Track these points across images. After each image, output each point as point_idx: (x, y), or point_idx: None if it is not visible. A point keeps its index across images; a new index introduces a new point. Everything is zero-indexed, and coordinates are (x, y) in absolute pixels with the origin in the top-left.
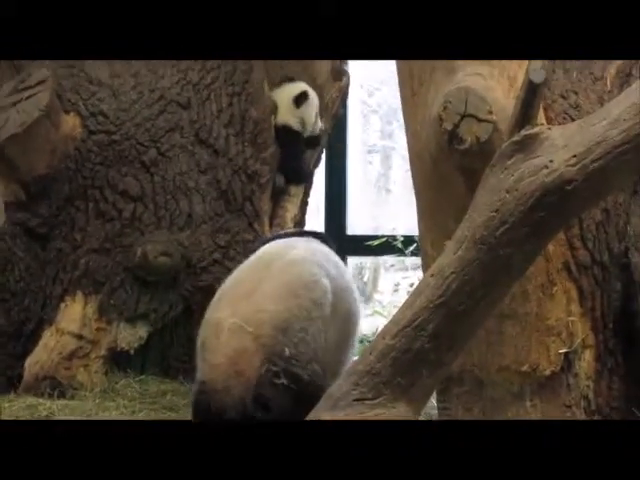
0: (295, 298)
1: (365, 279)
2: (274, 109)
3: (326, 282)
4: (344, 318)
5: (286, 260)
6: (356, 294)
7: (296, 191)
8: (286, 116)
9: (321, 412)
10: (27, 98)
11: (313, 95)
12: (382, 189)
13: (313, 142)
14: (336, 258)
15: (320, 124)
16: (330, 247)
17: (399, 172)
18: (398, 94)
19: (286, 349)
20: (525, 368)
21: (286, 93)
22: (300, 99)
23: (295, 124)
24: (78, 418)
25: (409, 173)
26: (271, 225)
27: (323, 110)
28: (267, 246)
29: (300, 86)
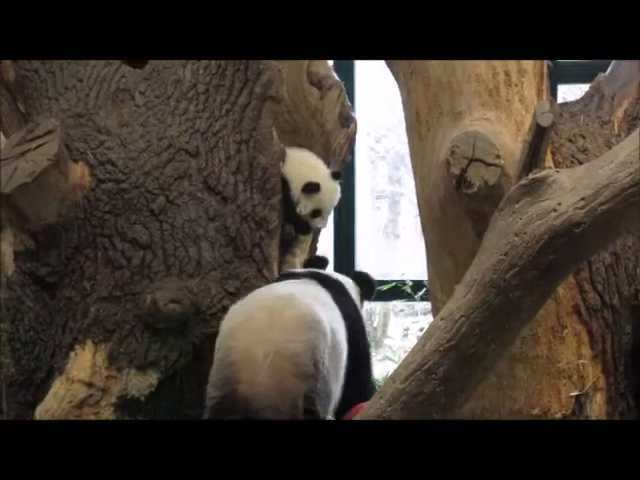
0: (311, 330)
1: (375, 324)
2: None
3: (324, 317)
4: (336, 351)
5: (285, 298)
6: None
7: (305, 237)
8: (296, 195)
9: None
10: (36, 148)
11: (325, 189)
12: (391, 234)
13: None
14: (325, 297)
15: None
16: (328, 285)
17: (408, 217)
18: (405, 140)
19: (318, 383)
20: (536, 411)
21: (297, 174)
22: (310, 188)
23: (303, 209)
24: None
25: (418, 218)
26: (280, 271)
27: (331, 156)
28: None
29: (312, 174)
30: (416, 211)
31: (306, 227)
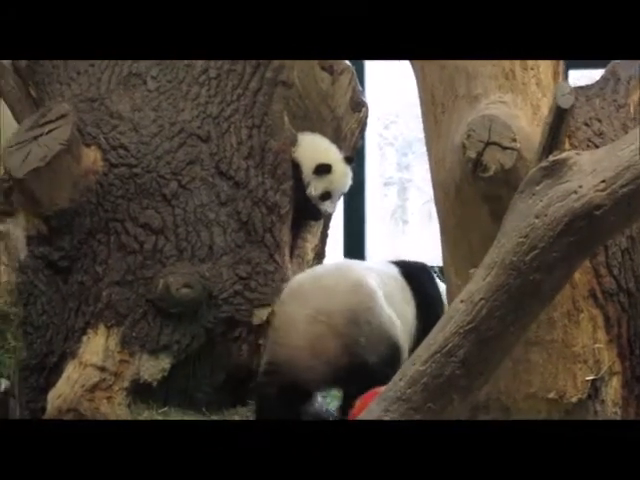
0: (356, 294)
1: None
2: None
3: (372, 282)
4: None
5: (338, 267)
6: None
7: (316, 222)
8: (308, 177)
9: None
10: (48, 132)
11: (337, 171)
12: (399, 221)
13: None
14: (394, 276)
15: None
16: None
17: (416, 204)
18: (414, 126)
19: (361, 338)
20: (552, 395)
21: (309, 157)
22: (321, 169)
23: (313, 191)
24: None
25: (426, 205)
26: (292, 256)
27: (342, 141)
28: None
29: (324, 156)
30: (424, 198)
31: (316, 212)
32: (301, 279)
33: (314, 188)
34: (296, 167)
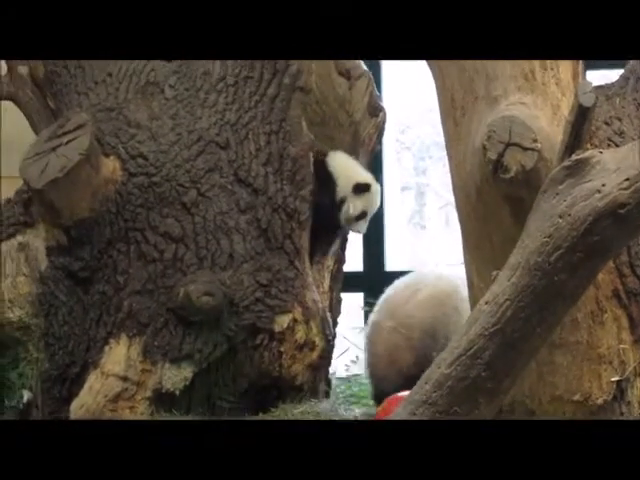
0: (440, 307)
1: None
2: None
3: (464, 291)
4: None
5: (433, 276)
6: None
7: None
8: (344, 194)
9: None
10: (67, 143)
11: (374, 190)
12: (417, 225)
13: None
14: None
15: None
16: None
17: (433, 208)
18: (431, 130)
19: (434, 353)
20: (577, 397)
21: (346, 173)
22: (361, 188)
23: (352, 210)
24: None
25: (443, 209)
26: (312, 262)
27: (360, 146)
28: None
29: (361, 174)
30: (441, 202)
31: (341, 228)
32: (395, 286)
33: (353, 207)
34: (329, 180)
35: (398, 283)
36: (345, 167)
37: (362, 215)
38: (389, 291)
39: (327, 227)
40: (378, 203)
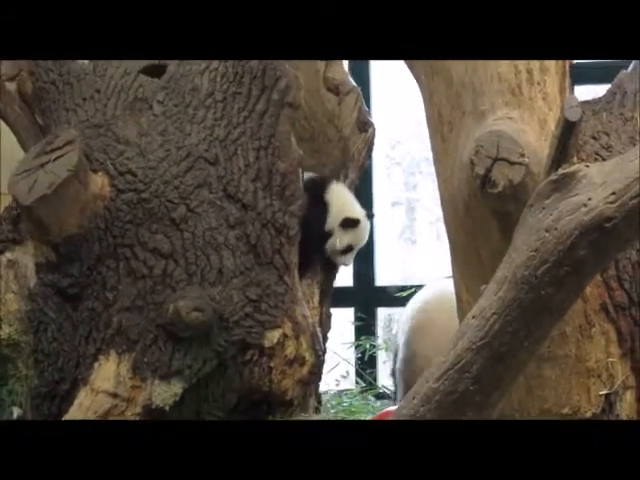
0: None
1: (394, 331)
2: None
3: None
4: None
5: None
6: None
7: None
8: (332, 226)
9: None
10: (55, 159)
11: (362, 227)
12: (408, 241)
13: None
14: None
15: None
16: None
17: (423, 224)
18: (420, 146)
19: None
20: (566, 411)
21: (338, 205)
22: (349, 223)
23: (338, 244)
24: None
25: (433, 225)
26: (301, 277)
27: (349, 162)
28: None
29: (351, 209)
30: (431, 217)
31: (326, 259)
32: (424, 309)
33: (339, 241)
34: (323, 209)
35: (425, 305)
36: (341, 200)
37: (348, 249)
38: (419, 314)
39: (314, 253)
40: (366, 238)
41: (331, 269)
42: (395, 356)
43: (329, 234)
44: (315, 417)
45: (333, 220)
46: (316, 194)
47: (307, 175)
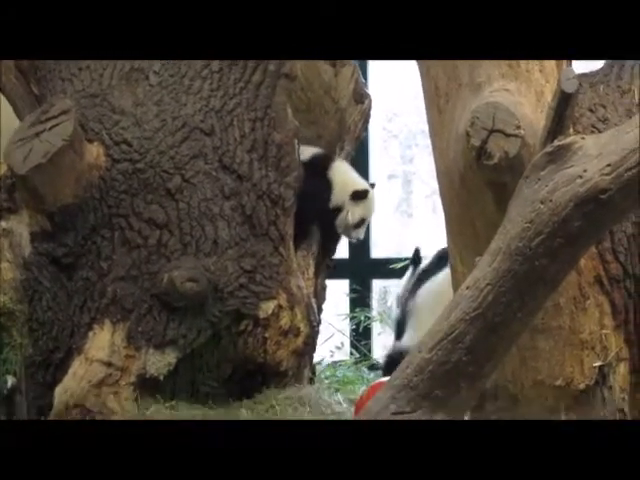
0: None
1: (389, 303)
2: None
3: None
4: None
5: None
6: None
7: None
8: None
9: None
10: (50, 128)
11: (372, 197)
12: (404, 214)
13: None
14: None
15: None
16: None
17: (420, 197)
18: (417, 119)
19: None
20: (559, 382)
21: (343, 179)
22: (359, 195)
23: (350, 218)
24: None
25: (430, 198)
26: (296, 248)
27: (345, 134)
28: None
29: (358, 181)
30: (427, 190)
31: (335, 235)
32: None
33: (351, 215)
34: (328, 185)
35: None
36: (344, 176)
37: (360, 222)
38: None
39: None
40: (375, 209)
41: (333, 243)
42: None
43: (338, 210)
44: (309, 388)
45: (339, 196)
46: (319, 171)
47: (310, 150)
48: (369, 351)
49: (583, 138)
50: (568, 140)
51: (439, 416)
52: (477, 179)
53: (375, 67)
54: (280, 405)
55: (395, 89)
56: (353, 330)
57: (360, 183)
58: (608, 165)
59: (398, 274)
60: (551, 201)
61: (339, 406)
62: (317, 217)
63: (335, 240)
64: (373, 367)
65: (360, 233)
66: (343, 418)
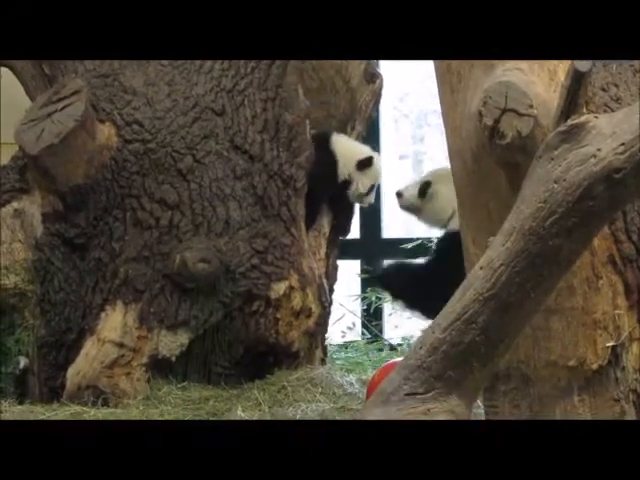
0: None
1: None
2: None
3: None
4: None
5: None
6: None
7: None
8: (347, 174)
9: (372, 407)
10: (62, 109)
11: (377, 162)
12: None
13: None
14: None
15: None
16: None
17: None
18: (429, 98)
19: None
20: (572, 363)
21: (346, 153)
22: (364, 163)
23: (361, 188)
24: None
25: None
26: (308, 229)
27: (357, 113)
28: None
29: (361, 150)
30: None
31: (349, 207)
32: None
33: (361, 184)
34: (333, 160)
35: None
36: (345, 147)
37: (370, 189)
38: None
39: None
40: (382, 172)
41: (347, 220)
42: None
43: (347, 183)
44: (320, 368)
45: (345, 168)
46: (323, 146)
47: None
48: (380, 332)
49: (596, 117)
50: (581, 119)
51: (452, 397)
52: (490, 159)
53: None
54: (292, 386)
55: (406, 68)
56: (364, 310)
57: (362, 152)
58: (622, 144)
59: (409, 254)
60: (565, 180)
61: (351, 387)
62: (328, 195)
63: (348, 217)
64: (385, 348)
65: (371, 198)
66: (355, 400)
